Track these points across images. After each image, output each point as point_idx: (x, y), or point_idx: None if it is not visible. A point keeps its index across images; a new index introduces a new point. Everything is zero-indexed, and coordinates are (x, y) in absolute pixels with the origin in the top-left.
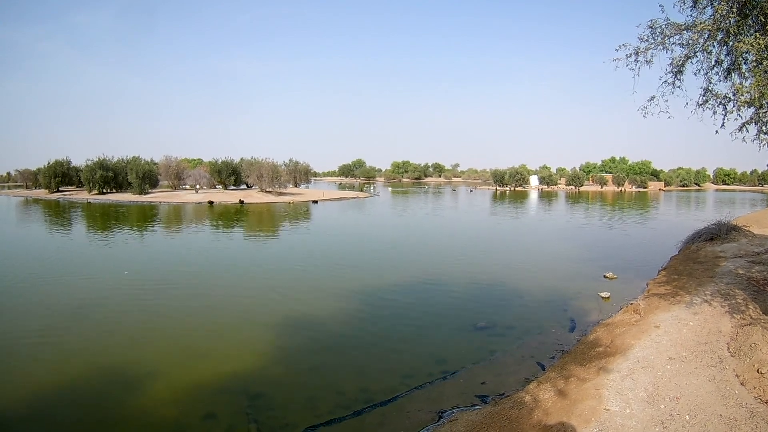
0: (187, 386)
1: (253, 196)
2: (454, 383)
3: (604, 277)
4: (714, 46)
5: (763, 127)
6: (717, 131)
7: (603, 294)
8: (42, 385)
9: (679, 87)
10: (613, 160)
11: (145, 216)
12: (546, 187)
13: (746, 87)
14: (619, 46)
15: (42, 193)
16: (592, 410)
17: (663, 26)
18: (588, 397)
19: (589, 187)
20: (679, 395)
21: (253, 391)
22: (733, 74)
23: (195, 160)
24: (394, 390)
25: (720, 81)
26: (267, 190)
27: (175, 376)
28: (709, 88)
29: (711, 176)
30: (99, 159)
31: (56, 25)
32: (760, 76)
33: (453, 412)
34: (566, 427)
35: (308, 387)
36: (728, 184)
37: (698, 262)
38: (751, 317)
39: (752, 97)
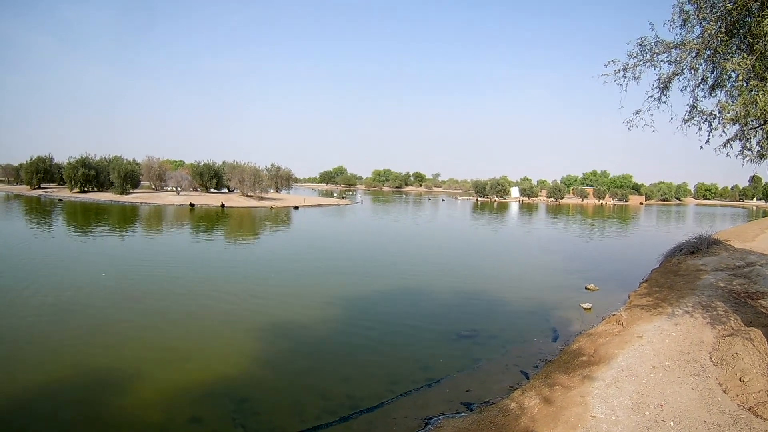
0: (172, 389)
1: (235, 200)
2: (439, 390)
3: (586, 288)
4: (701, 64)
5: (747, 144)
6: (702, 147)
7: (585, 305)
8: (22, 386)
9: (664, 102)
10: (594, 173)
11: (126, 217)
12: (527, 198)
13: (732, 105)
14: (608, 62)
15: (23, 189)
16: (578, 417)
17: (652, 44)
18: (574, 405)
19: (570, 200)
20: (664, 403)
21: (239, 396)
22: (717, 91)
23: (177, 161)
24: (380, 396)
25: (705, 97)
26: (248, 194)
27: (159, 379)
28: (695, 105)
29: (692, 191)
30: (82, 157)
31: (45, 20)
32: (745, 94)
33: (439, 419)
34: None
35: (294, 392)
36: (709, 199)
37: (679, 275)
38: (733, 328)
39: (737, 115)
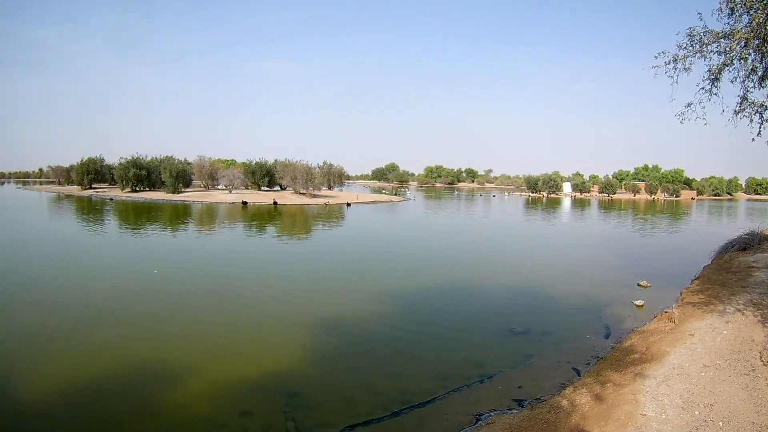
0: (223, 383)
1: (287, 198)
2: (491, 387)
3: (638, 285)
4: (750, 54)
5: None
6: (753, 139)
7: (637, 302)
8: (76, 378)
9: (715, 94)
10: (646, 167)
11: (179, 215)
12: (579, 194)
13: None
14: (658, 54)
15: (74, 190)
16: (629, 415)
17: (701, 34)
18: (625, 402)
19: (622, 195)
20: (713, 402)
21: (290, 390)
22: (767, 82)
23: (228, 160)
24: (432, 392)
25: (755, 88)
26: (301, 191)
27: (210, 373)
28: (746, 96)
29: (743, 185)
30: (132, 157)
31: (86, 26)
32: None
33: (490, 415)
34: None
35: (345, 387)
36: (760, 194)
37: (731, 272)
38: None
39: None
